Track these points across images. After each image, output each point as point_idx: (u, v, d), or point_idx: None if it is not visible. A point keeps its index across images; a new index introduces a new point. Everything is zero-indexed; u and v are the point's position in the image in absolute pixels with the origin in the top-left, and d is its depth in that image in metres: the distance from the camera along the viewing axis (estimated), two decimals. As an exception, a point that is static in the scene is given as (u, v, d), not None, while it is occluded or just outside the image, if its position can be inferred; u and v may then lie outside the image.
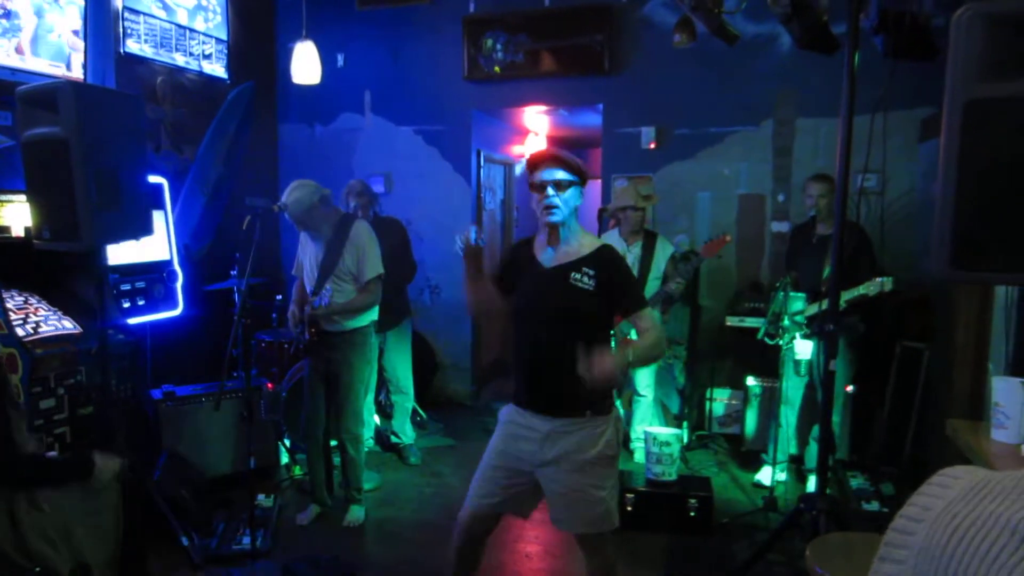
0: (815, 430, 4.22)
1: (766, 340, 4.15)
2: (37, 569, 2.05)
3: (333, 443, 4.02)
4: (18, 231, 3.51)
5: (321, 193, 3.65)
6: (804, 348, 3.89)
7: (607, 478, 2.43)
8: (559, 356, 2.34)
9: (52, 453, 2.64)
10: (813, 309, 3.95)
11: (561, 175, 2.39)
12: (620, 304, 2.42)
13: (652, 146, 5.35)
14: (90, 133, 2.72)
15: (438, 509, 4.14)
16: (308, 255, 3.85)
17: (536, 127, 7.75)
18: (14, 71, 3.77)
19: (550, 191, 2.37)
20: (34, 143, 2.79)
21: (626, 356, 2.31)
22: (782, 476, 4.28)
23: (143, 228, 3.15)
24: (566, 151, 2.47)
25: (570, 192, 2.39)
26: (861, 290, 3.73)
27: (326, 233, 3.75)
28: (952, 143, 1.57)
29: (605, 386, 2.30)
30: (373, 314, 3.92)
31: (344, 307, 3.72)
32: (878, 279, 3.68)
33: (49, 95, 2.72)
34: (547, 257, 2.48)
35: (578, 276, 2.38)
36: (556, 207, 2.38)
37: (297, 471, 4.46)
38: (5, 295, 3.34)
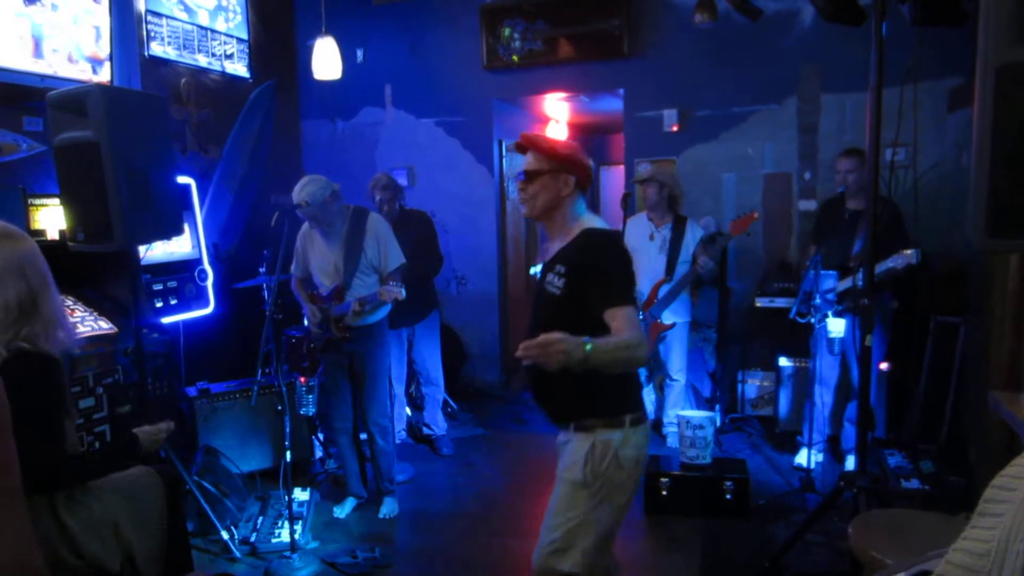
0: (848, 410, 4.18)
1: (797, 319, 4.10)
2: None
3: (363, 436, 4.05)
4: (53, 234, 3.58)
5: (332, 187, 3.62)
6: (837, 326, 3.84)
7: (567, 510, 2.08)
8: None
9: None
10: (845, 285, 3.89)
11: (529, 164, 2.16)
12: (590, 299, 1.99)
13: (674, 129, 5.30)
14: (120, 135, 2.76)
15: (472, 499, 4.16)
16: (316, 251, 3.81)
17: (557, 115, 7.72)
18: (43, 77, 3.82)
19: (519, 184, 2.18)
20: (65, 147, 2.84)
21: (582, 347, 1.80)
22: (819, 457, 4.24)
23: (174, 228, 3.20)
24: (542, 135, 2.25)
25: (544, 181, 2.13)
26: (889, 263, 3.67)
27: (339, 228, 3.73)
28: (985, 109, 1.53)
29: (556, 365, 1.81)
30: (388, 305, 3.92)
31: (378, 300, 3.72)
32: (906, 251, 3.62)
33: (79, 99, 2.77)
34: (545, 254, 2.27)
35: (551, 278, 2.11)
36: (526, 200, 2.18)
37: (331, 464, 4.51)
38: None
